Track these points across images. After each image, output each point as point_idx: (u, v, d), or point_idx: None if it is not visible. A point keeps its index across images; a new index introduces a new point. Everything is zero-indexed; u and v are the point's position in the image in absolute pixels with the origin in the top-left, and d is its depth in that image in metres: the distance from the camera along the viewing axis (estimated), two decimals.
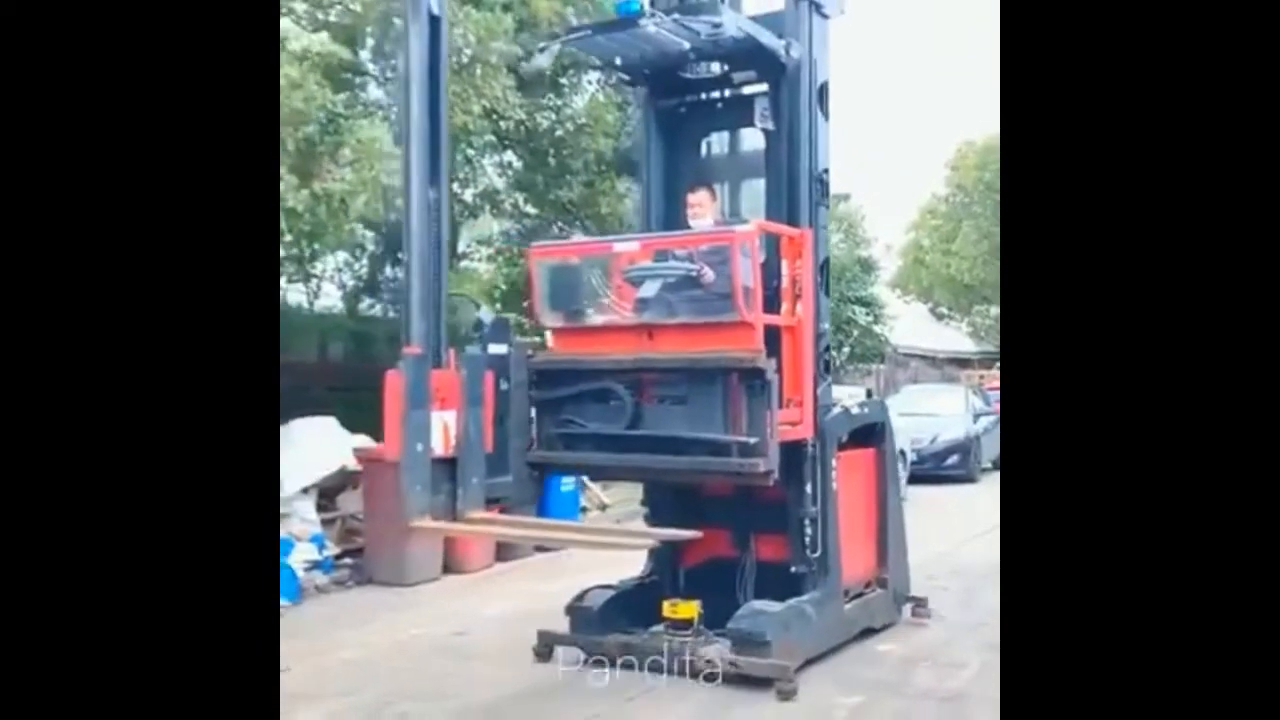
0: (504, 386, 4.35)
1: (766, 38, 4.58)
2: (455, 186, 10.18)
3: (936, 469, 12.52)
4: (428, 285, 4.06)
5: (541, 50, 4.94)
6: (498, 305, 10.35)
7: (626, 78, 5.00)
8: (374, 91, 8.99)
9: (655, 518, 4.98)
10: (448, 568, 6.83)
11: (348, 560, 6.92)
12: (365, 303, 12.39)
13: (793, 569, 4.63)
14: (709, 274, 4.32)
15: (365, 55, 8.62)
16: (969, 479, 12.90)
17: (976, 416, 13.98)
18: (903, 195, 30.78)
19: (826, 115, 4.83)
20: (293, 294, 11.59)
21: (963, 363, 29.15)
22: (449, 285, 4.42)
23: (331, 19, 7.62)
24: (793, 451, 4.37)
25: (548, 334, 4.84)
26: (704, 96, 5.08)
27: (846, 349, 18.39)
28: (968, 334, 31.69)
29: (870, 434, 5.21)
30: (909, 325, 27.42)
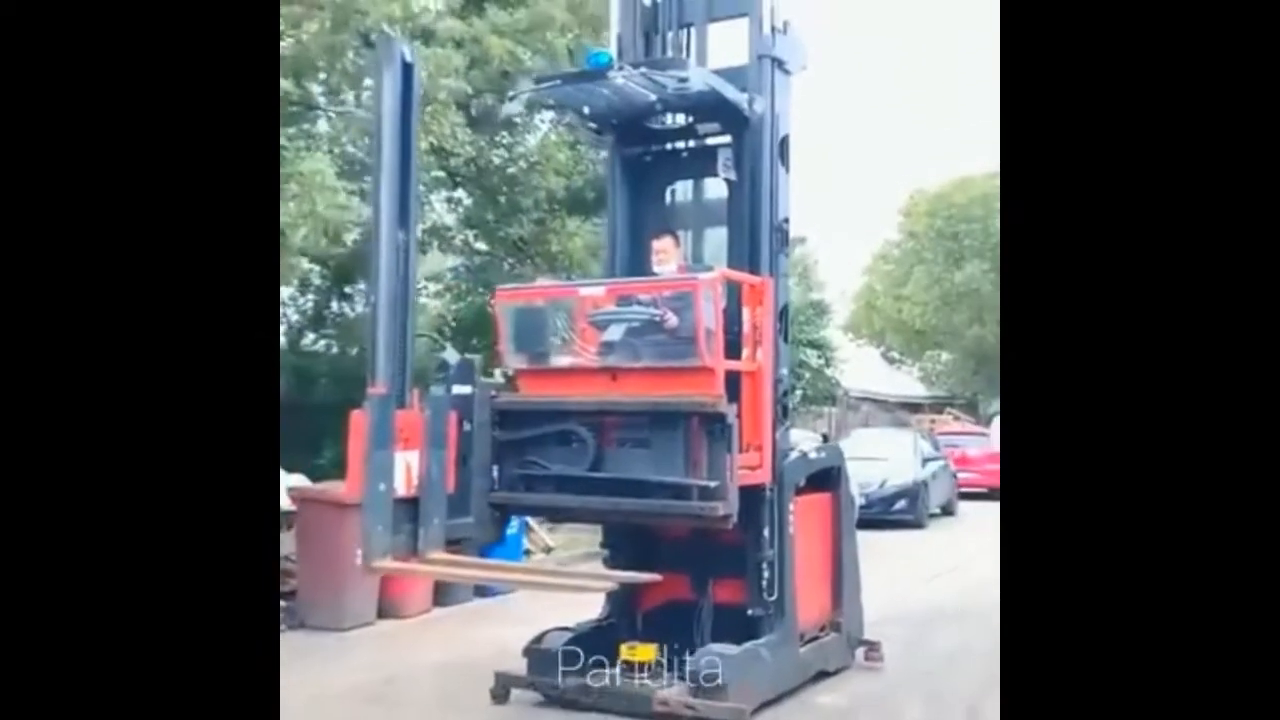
0: (467, 427, 4.49)
1: (731, 92, 4.86)
2: None
3: (884, 513, 12.76)
4: (394, 325, 4.19)
5: (512, 98, 5.18)
6: (447, 341, 10.45)
7: (594, 126, 5.24)
8: (321, 125, 9.12)
9: (615, 560, 5.14)
10: (384, 612, 6.81)
11: (280, 604, 6.88)
12: (309, 338, 12.35)
13: (750, 612, 4.80)
14: (672, 319, 4.53)
15: (316, 89, 8.75)
16: (917, 524, 13.21)
17: (925, 461, 14.32)
18: (857, 240, 31.68)
19: (787, 167, 5.13)
20: None
21: (914, 407, 29.86)
22: None
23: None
24: (751, 495, 4.56)
25: (497, 372, 4.97)
26: (669, 146, 5.36)
27: (799, 392, 18.77)
28: (919, 379, 32.48)
29: (827, 478, 5.44)
30: (861, 369, 28.01)
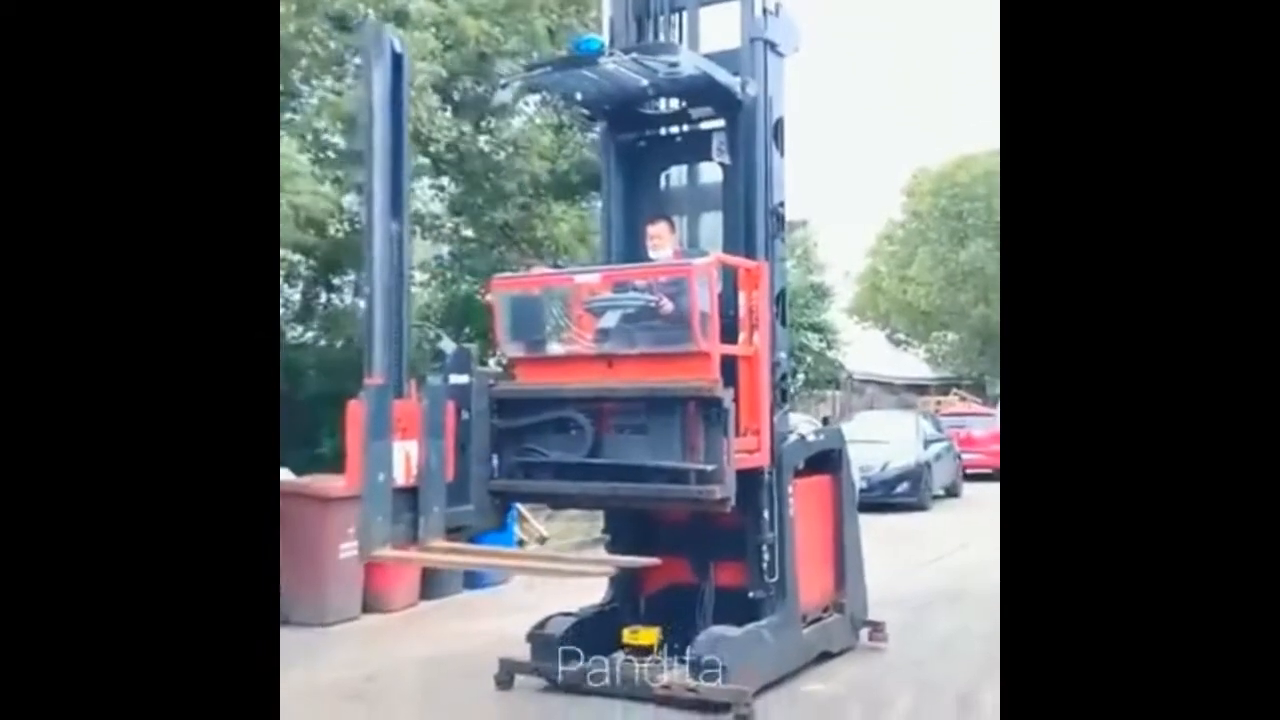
0: (465, 416, 4.61)
1: (722, 76, 4.97)
2: None
3: (886, 496, 12.91)
4: (390, 316, 4.29)
5: (504, 86, 5.27)
6: (435, 330, 10.52)
7: (587, 112, 5.33)
8: (291, 113, 9.10)
9: (616, 545, 5.28)
10: (368, 606, 6.77)
11: None
12: (297, 330, 12.38)
13: (751, 595, 4.94)
14: (667, 304, 4.65)
15: (293, 75, 8.71)
16: (920, 507, 13.34)
17: (928, 443, 14.44)
18: (861, 222, 31.78)
19: (782, 150, 5.24)
20: None
21: (920, 389, 30.00)
22: None
23: None
24: (750, 479, 4.70)
25: (491, 361, 5.05)
26: (663, 131, 5.49)
27: (800, 375, 18.90)
28: (925, 360, 32.60)
29: (827, 461, 5.58)
30: (866, 351, 28.14)
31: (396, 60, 4.35)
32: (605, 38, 5.12)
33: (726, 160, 5.24)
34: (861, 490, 12.18)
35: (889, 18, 64.77)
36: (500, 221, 10.42)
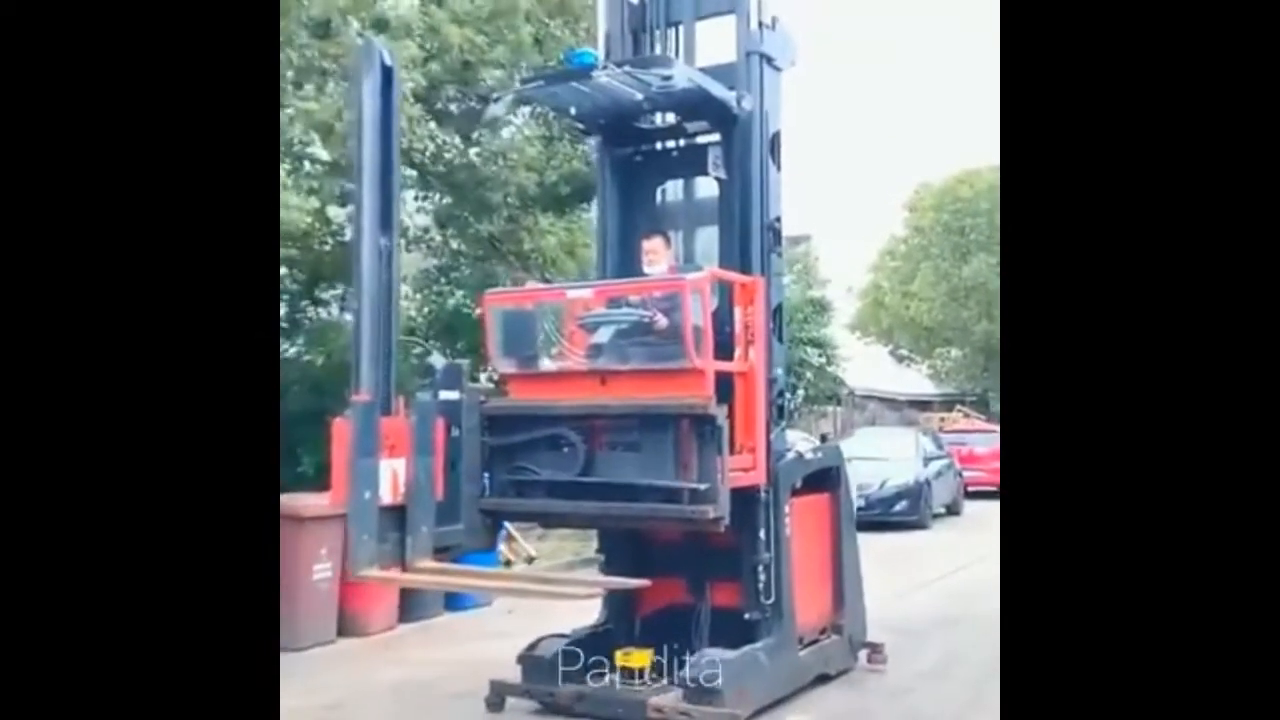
0: (455, 433, 4.59)
1: (717, 89, 5.01)
2: None
3: (885, 514, 12.91)
4: (378, 332, 4.30)
5: (497, 99, 5.28)
6: (420, 343, 10.48)
7: (581, 126, 5.34)
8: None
9: (610, 565, 5.29)
10: (345, 629, 6.68)
11: None
12: (284, 346, 12.29)
13: (746, 616, 4.94)
14: (662, 320, 4.66)
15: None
16: (920, 525, 13.34)
17: (928, 460, 14.45)
18: (864, 236, 31.84)
19: (778, 165, 5.28)
20: None
21: (923, 405, 29.98)
22: None
23: None
24: (746, 498, 4.72)
25: (482, 376, 5.04)
26: (658, 146, 5.54)
27: (800, 391, 18.89)
28: (928, 376, 32.60)
29: (825, 479, 5.59)
30: (868, 367, 28.14)
31: (387, 74, 4.37)
32: (601, 51, 5.15)
33: (722, 175, 5.28)
34: (859, 508, 12.14)
35: (892, 32, 65.20)
36: (486, 234, 10.40)
